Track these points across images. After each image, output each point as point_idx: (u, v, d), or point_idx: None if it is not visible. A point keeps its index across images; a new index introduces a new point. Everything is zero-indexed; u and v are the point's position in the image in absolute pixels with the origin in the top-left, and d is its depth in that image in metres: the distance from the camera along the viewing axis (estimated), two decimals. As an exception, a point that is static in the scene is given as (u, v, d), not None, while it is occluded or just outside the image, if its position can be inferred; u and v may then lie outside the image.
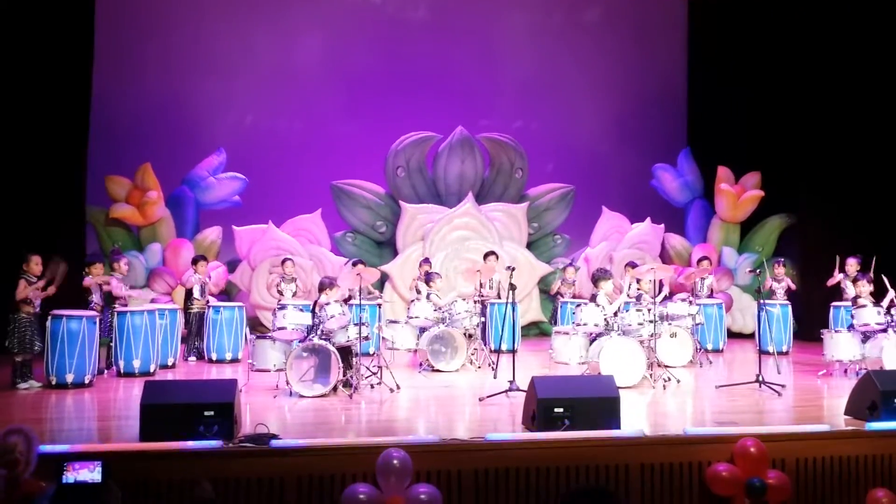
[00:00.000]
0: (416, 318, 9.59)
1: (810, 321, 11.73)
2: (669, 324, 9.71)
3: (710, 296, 11.49)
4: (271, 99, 13.76)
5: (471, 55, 14.28)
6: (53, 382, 8.17)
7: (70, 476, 4.65)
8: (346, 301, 8.77)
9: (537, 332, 13.17)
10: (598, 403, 6.25)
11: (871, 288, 9.26)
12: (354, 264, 10.26)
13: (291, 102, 13.80)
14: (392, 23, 14.23)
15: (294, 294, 10.58)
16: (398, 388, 8.17)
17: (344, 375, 7.95)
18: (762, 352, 8.94)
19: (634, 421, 6.56)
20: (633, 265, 10.69)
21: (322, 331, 8.02)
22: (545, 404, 6.12)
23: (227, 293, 12.45)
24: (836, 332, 9.44)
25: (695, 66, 15.02)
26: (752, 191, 13.65)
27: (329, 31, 14.04)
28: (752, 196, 13.62)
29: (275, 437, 5.75)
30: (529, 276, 13.08)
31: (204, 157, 12.77)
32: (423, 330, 9.62)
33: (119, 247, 11.28)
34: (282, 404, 7.50)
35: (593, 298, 8.87)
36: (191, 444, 5.54)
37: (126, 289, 9.47)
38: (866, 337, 9.10)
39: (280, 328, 8.17)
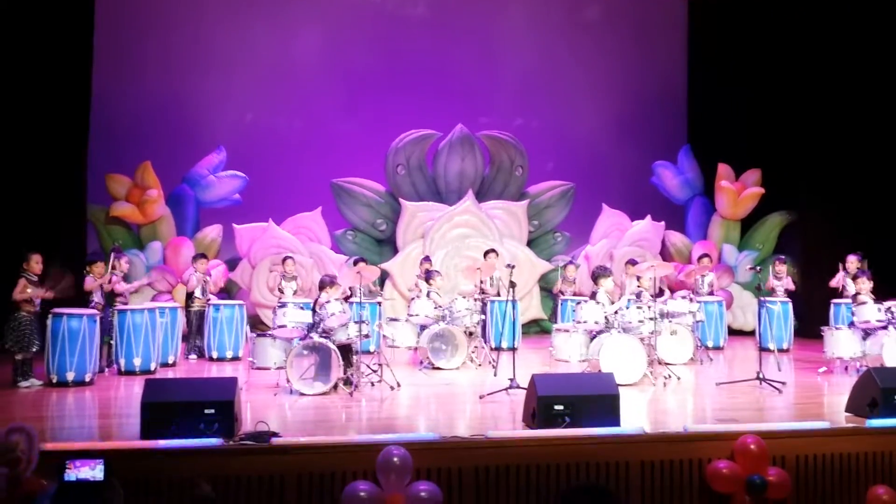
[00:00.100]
0: (417, 315, 9.59)
1: (811, 318, 11.73)
2: (670, 321, 9.71)
3: (711, 293, 11.49)
4: (271, 97, 13.76)
5: (471, 53, 14.27)
6: (54, 381, 8.19)
7: (71, 474, 4.66)
8: (346, 299, 8.78)
9: (538, 329, 13.17)
10: (599, 401, 6.25)
11: (871, 285, 9.25)
12: (356, 263, 10.26)
13: (291, 100, 13.80)
14: (392, 20, 14.22)
15: (294, 292, 10.58)
16: (398, 385, 8.18)
17: (344, 373, 7.96)
18: (763, 349, 8.95)
19: (635, 418, 6.56)
20: (633, 263, 10.68)
21: (322, 329, 8.03)
22: (545, 402, 6.12)
23: (227, 291, 12.45)
24: (836, 329, 9.42)
25: (695, 62, 15.00)
26: (753, 188, 13.64)
27: (329, 28, 14.04)
28: (753, 193, 13.62)
29: (275, 434, 5.76)
30: (530, 274, 13.09)
31: (204, 156, 12.78)
32: (423, 328, 9.62)
33: (119, 245, 11.29)
34: (282, 402, 7.51)
35: (593, 296, 8.88)
36: (191, 441, 5.55)
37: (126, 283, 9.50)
38: (867, 334, 9.09)
39: (280, 326, 8.18)
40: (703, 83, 14.67)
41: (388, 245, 13.30)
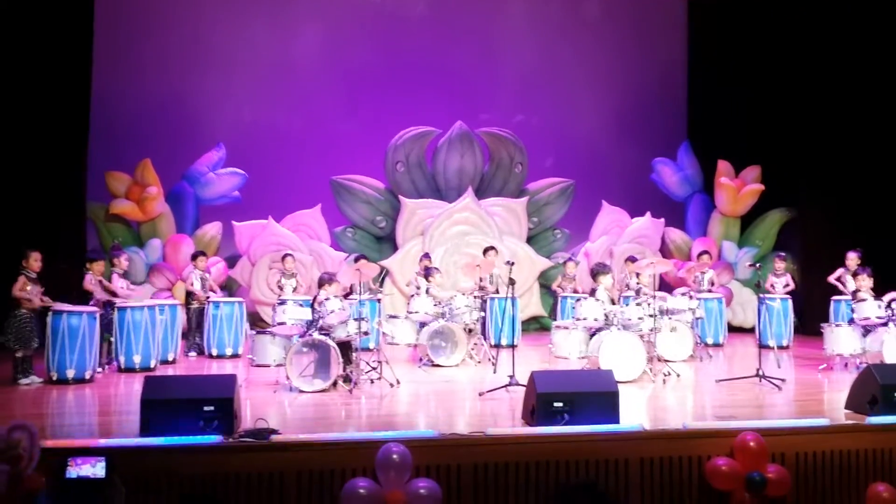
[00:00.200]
0: (416, 312, 9.59)
1: (811, 315, 11.73)
2: (669, 318, 9.70)
3: (711, 290, 11.49)
4: (271, 94, 13.74)
5: (470, 50, 14.26)
6: (54, 378, 8.19)
7: (73, 471, 4.66)
8: (346, 296, 8.77)
9: (537, 326, 13.18)
10: (598, 398, 6.24)
11: (871, 282, 9.26)
12: (356, 260, 10.27)
13: (291, 98, 13.79)
14: (391, 18, 14.19)
15: (294, 289, 10.59)
16: (398, 382, 8.18)
17: (344, 370, 7.96)
18: (762, 346, 8.95)
19: (634, 415, 6.56)
20: (632, 259, 10.69)
21: (322, 326, 8.03)
22: (545, 399, 6.12)
23: (226, 288, 12.46)
24: (836, 326, 9.42)
25: (694, 58, 14.99)
26: (753, 185, 13.64)
27: (328, 26, 14.02)
28: (753, 190, 13.61)
29: (274, 431, 5.75)
30: (529, 271, 13.09)
31: (203, 153, 12.78)
32: (422, 325, 9.62)
33: (119, 242, 11.29)
34: (282, 399, 7.50)
35: (593, 293, 8.88)
36: (191, 439, 5.55)
37: (127, 287, 9.49)
38: (867, 331, 9.09)
39: (280, 323, 8.17)
40: (703, 79, 14.67)
41: (387, 242, 13.30)
